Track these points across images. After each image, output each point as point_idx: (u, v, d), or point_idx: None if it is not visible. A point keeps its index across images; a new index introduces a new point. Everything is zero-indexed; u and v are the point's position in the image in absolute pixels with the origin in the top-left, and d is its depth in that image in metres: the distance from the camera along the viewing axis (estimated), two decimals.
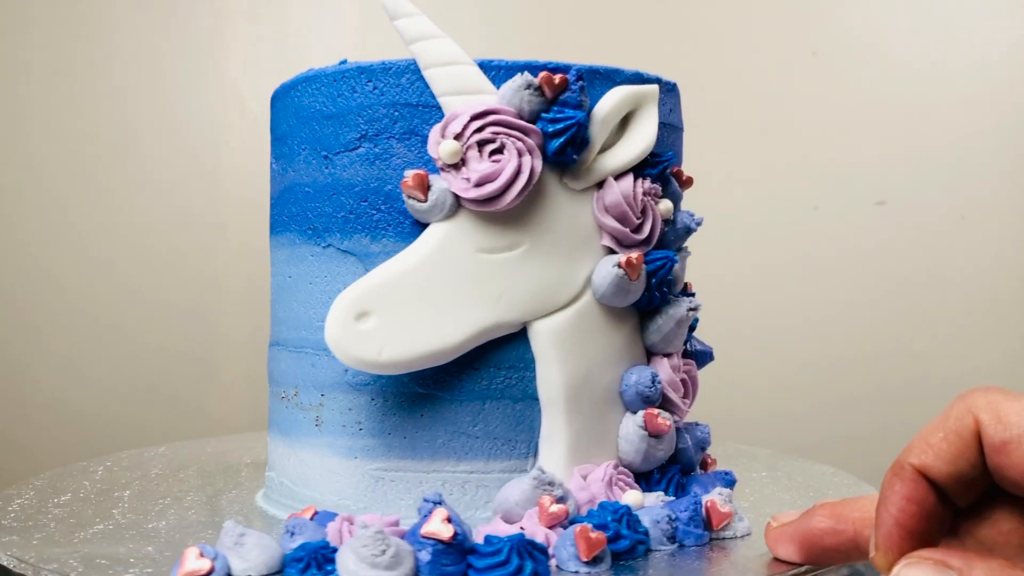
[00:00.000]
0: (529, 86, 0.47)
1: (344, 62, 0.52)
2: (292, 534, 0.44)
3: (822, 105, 1.11)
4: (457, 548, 0.42)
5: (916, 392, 1.12)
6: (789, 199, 1.11)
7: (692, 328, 0.56)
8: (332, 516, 0.46)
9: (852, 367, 1.14)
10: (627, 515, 0.46)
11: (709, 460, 0.58)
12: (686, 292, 0.56)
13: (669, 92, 0.56)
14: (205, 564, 0.42)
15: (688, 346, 0.56)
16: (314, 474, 0.53)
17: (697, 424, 0.55)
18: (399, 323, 0.47)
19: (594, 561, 0.43)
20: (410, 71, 0.49)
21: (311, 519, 0.46)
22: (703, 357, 0.57)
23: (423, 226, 0.49)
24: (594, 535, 0.43)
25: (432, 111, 0.49)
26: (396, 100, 0.50)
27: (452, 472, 0.50)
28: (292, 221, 0.54)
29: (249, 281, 1.09)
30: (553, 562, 0.44)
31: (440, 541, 0.41)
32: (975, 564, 0.32)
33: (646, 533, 0.46)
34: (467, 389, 0.49)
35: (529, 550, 0.42)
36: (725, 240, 1.10)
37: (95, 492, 0.60)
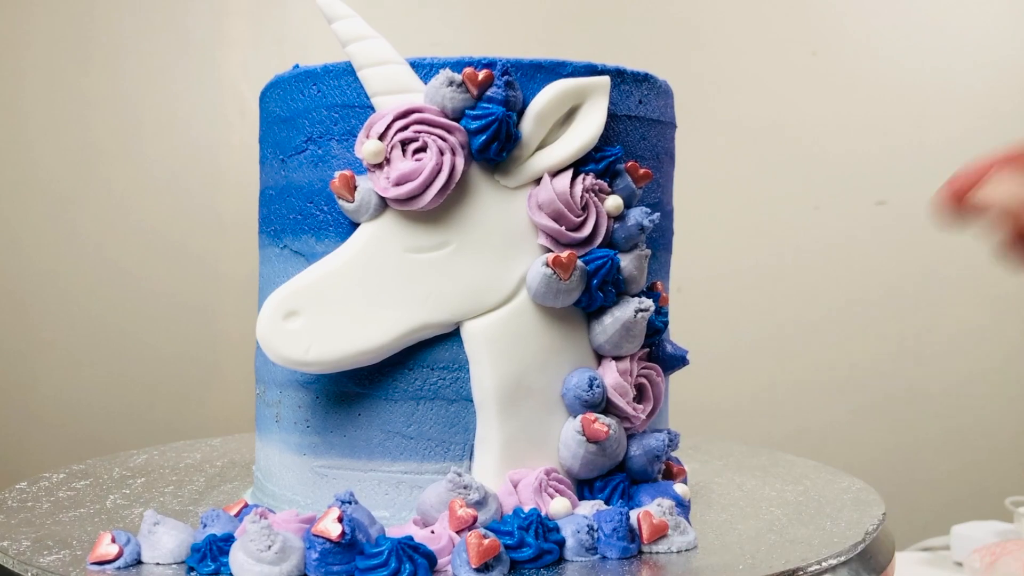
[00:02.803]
0: (451, 83, 0.47)
1: (296, 67, 0.53)
2: (204, 525, 0.46)
3: (822, 105, 1.09)
4: (346, 547, 0.42)
5: (916, 391, 1.11)
6: (789, 199, 1.08)
7: (659, 331, 0.53)
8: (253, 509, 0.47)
9: (852, 366, 1.11)
10: (536, 523, 0.44)
11: (675, 469, 0.55)
12: (651, 293, 0.53)
13: (638, 83, 0.53)
14: (114, 549, 0.44)
15: (657, 349, 0.53)
16: (274, 469, 0.54)
17: (656, 431, 0.52)
18: (326, 323, 0.48)
19: (485, 568, 0.42)
20: (348, 73, 0.50)
21: (235, 514, 0.48)
22: (674, 361, 0.54)
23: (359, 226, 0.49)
24: (486, 542, 0.42)
25: (369, 111, 0.49)
26: (336, 102, 0.50)
27: (387, 472, 0.50)
28: (264, 223, 0.56)
29: (249, 280, 1.12)
30: (449, 569, 0.43)
31: (328, 540, 0.42)
32: None
33: (561, 543, 0.45)
34: (400, 389, 0.49)
35: (410, 553, 0.41)
36: (725, 240, 1.09)
37: (112, 481, 0.64)
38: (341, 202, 0.48)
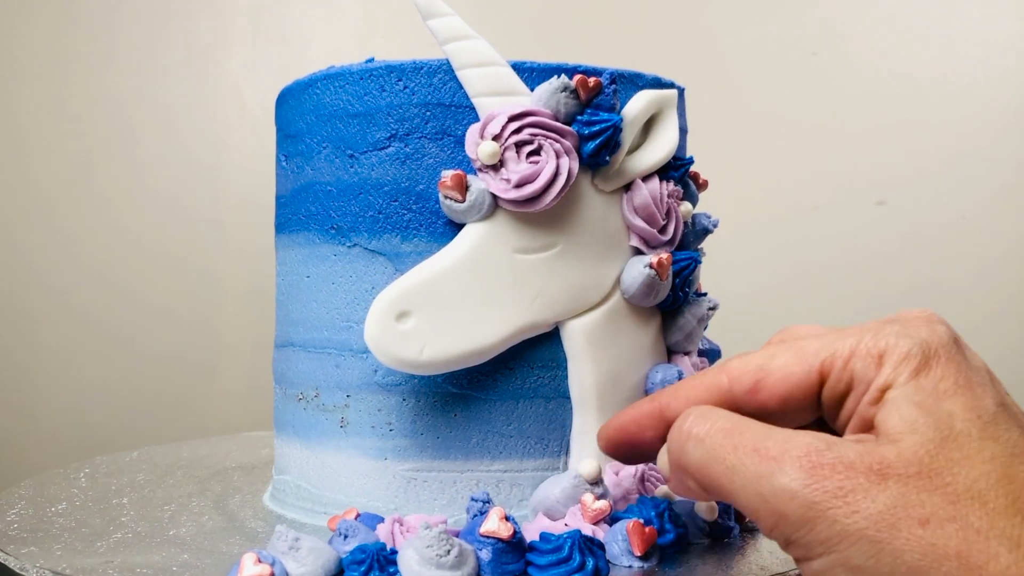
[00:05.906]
0: (565, 89, 0.48)
1: (371, 60, 0.51)
2: (345, 537, 0.44)
3: (822, 105, 1.11)
4: (515, 546, 0.42)
5: None
6: (789, 199, 1.11)
7: (705, 327, 0.57)
8: (374, 518, 0.46)
9: None
10: (668, 510, 0.47)
11: None
12: (698, 292, 0.57)
13: (680, 96, 0.57)
14: (264, 569, 0.41)
15: (701, 344, 0.58)
16: (339, 476, 0.52)
17: None
18: (439, 323, 0.47)
19: (646, 556, 0.44)
20: (442, 71, 0.49)
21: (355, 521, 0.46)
22: (712, 355, 0.59)
23: (456, 226, 0.49)
24: (647, 529, 0.44)
25: (465, 111, 0.49)
26: (428, 100, 0.50)
27: (486, 471, 0.50)
28: (311, 220, 0.54)
29: (249, 281, 1.07)
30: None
31: (500, 540, 0.42)
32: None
33: (685, 527, 0.48)
34: (501, 389, 0.50)
35: (589, 546, 0.43)
36: (725, 240, 1.09)
37: (90, 500, 0.58)
38: (448, 202, 0.48)
